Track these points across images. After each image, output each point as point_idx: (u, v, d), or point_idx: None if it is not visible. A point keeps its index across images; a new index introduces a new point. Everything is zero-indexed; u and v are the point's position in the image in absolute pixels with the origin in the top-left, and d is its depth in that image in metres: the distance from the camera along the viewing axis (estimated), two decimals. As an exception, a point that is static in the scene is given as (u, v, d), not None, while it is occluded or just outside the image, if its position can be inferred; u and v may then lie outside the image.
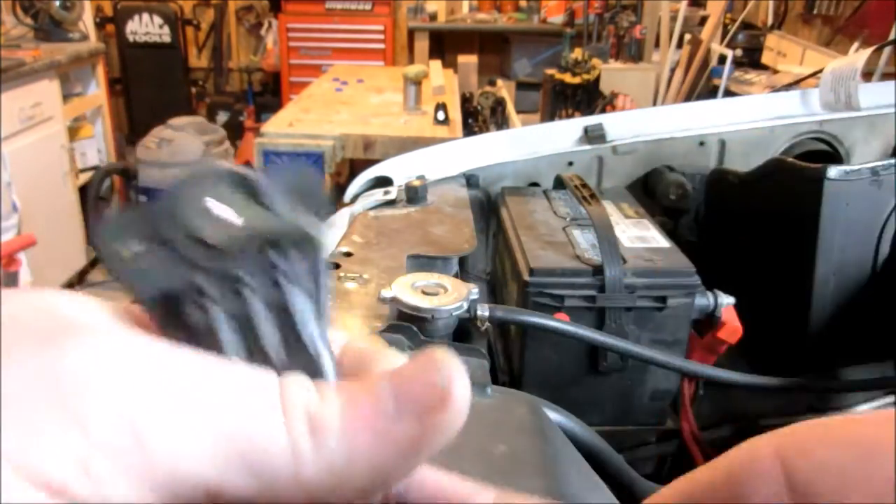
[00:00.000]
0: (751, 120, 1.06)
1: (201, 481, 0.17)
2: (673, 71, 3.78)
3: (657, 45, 4.05)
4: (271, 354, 0.20)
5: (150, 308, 0.20)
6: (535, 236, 0.77)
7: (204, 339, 0.20)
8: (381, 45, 4.97)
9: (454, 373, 0.19)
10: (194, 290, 0.20)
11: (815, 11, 3.77)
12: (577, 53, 4.10)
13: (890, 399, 0.85)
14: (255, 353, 0.20)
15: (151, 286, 0.20)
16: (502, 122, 3.37)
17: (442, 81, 2.92)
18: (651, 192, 1.00)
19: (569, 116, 3.74)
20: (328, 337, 0.21)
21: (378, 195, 0.89)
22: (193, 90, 5.17)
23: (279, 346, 0.20)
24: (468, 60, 4.33)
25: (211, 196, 0.21)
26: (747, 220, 0.89)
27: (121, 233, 0.20)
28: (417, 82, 2.70)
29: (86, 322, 0.19)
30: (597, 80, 3.90)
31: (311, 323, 0.21)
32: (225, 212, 0.21)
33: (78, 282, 3.42)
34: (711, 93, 3.45)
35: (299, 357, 0.21)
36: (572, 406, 0.67)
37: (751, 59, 3.79)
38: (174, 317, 0.20)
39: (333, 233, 0.80)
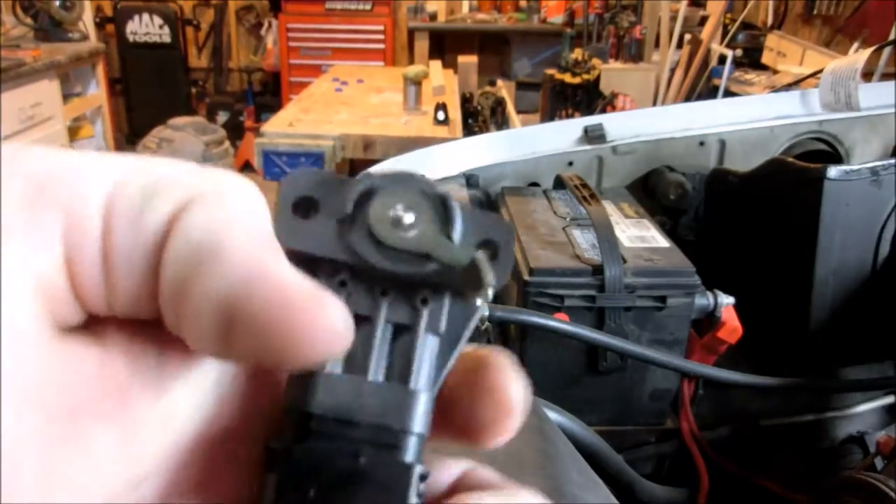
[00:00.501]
0: (751, 120, 1.06)
1: None
2: (673, 71, 3.78)
3: (657, 45, 4.05)
4: (369, 368, 0.20)
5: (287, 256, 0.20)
6: (535, 236, 0.77)
7: None
8: (381, 46, 4.97)
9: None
10: (339, 273, 0.20)
11: (815, 11, 3.77)
12: (577, 53, 4.10)
13: (890, 399, 0.85)
14: (353, 357, 0.20)
15: (306, 243, 0.20)
16: (502, 123, 3.37)
17: (442, 81, 2.92)
18: (651, 191, 1.00)
19: (569, 116, 3.74)
20: (439, 381, 0.21)
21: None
22: (193, 90, 5.17)
23: (379, 367, 0.20)
24: (468, 60, 4.32)
25: (407, 203, 0.20)
26: (747, 220, 0.89)
27: (308, 184, 0.21)
28: (417, 82, 2.70)
29: None
30: (597, 80, 3.90)
31: (427, 364, 0.20)
32: (411, 223, 0.20)
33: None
34: (711, 93, 3.45)
35: (395, 388, 0.20)
36: (572, 406, 0.67)
37: (751, 59, 3.79)
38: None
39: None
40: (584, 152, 1.01)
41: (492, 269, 0.19)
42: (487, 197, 0.98)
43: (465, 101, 3.41)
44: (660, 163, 1.01)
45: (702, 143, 1.03)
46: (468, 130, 3.12)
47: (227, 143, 3.62)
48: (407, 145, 2.10)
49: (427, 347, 0.20)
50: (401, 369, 0.20)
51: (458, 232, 0.21)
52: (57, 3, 3.56)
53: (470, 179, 0.97)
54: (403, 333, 0.21)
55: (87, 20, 3.89)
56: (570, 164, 1.00)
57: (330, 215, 0.20)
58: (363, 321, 0.20)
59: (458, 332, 0.21)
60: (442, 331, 0.21)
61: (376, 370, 0.20)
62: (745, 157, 1.03)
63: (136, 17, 4.79)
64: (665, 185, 0.97)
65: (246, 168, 4.64)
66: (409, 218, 0.20)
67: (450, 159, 0.99)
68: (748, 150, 1.04)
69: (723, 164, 1.04)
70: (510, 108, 3.44)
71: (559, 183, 0.92)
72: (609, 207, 0.84)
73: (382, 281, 0.20)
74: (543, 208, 0.86)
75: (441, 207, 0.21)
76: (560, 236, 0.78)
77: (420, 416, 0.20)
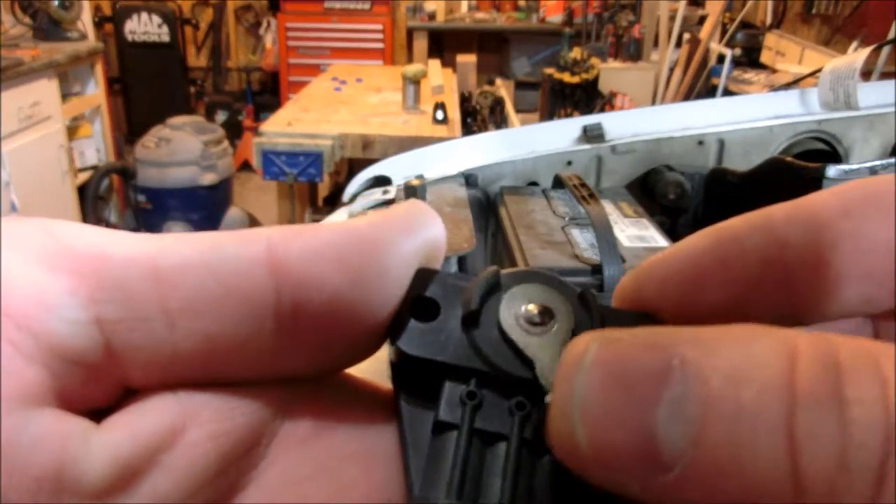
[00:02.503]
0: (750, 119, 1.06)
1: None
2: (672, 70, 3.78)
3: (656, 44, 4.05)
4: (489, 501, 0.16)
5: (401, 360, 0.18)
6: (534, 235, 0.77)
7: (417, 424, 0.18)
8: (380, 45, 4.96)
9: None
10: (468, 381, 0.18)
11: (813, 11, 3.77)
12: (576, 53, 4.11)
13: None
14: (465, 482, 0.16)
15: (430, 350, 0.18)
16: (501, 122, 3.37)
17: (441, 81, 2.92)
18: (650, 191, 1.00)
19: (567, 116, 3.74)
20: None
21: (377, 194, 0.89)
22: (192, 89, 5.17)
23: (500, 497, 0.16)
24: (467, 60, 4.33)
25: (543, 301, 0.18)
26: (746, 219, 0.88)
27: (430, 285, 0.18)
28: (416, 82, 2.69)
29: None
30: (595, 79, 3.91)
31: (563, 488, 0.17)
32: (547, 322, 0.18)
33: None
34: (710, 92, 3.45)
35: None
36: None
37: (749, 58, 3.79)
38: (414, 386, 0.18)
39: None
40: (582, 152, 1.01)
41: None
42: (486, 196, 0.98)
43: (464, 100, 3.41)
44: (659, 162, 1.01)
45: (701, 143, 1.03)
46: (467, 130, 3.12)
47: (225, 143, 3.62)
48: (406, 144, 2.10)
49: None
50: (539, 497, 0.17)
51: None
52: (55, 3, 3.56)
53: (469, 179, 0.97)
54: (545, 454, 0.17)
55: (86, 19, 3.88)
56: (569, 163, 1.00)
57: (454, 317, 0.18)
58: (496, 439, 0.17)
59: None
60: None
61: (511, 498, 0.16)
62: (744, 157, 1.03)
63: (135, 17, 4.79)
64: (664, 184, 0.97)
65: (245, 168, 4.65)
66: (543, 317, 0.18)
67: (448, 159, 0.99)
68: (747, 149, 1.04)
69: (722, 163, 1.04)
70: (509, 107, 3.44)
71: (558, 182, 0.92)
72: (608, 207, 0.84)
73: (517, 391, 0.17)
74: (542, 208, 0.86)
75: (578, 304, 0.19)
76: (559, 236, 0.77)
77: None
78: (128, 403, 0.16)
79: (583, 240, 0.76)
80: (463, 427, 0.17)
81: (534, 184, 0.99)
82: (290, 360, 0.18)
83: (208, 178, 3.42)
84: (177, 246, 0.16)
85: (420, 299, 0.18)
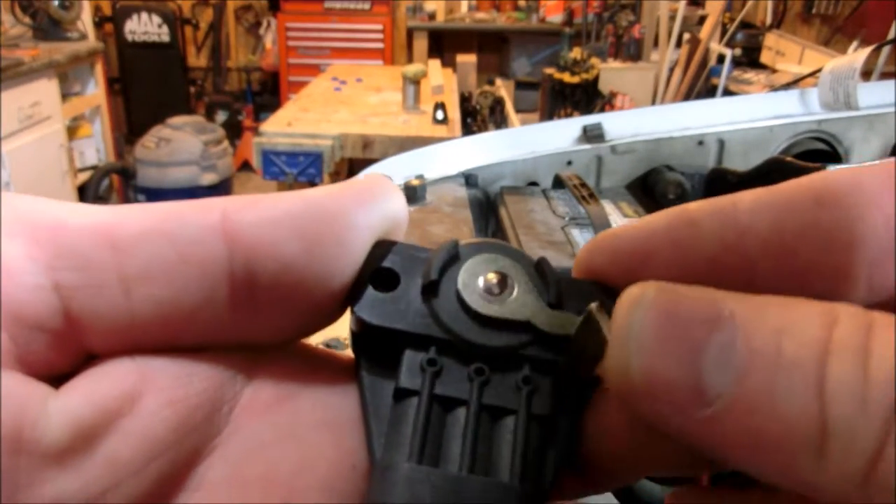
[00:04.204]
0: (750, 119, 1.06)
1: None
2: (672, 70, 3.78)
3: (656, 44, 4.05)
4: (464, 459, 0.17)
5: (362, 329, 0.18)
6: (534, 235, 0.77)
7: (378, 392, 0.18)
8: (380, 45, 4.96)
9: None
10: (427, 349, 0.18)
11: (813, 11, 3.77)
12: (576, 53, 4.10)
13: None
14: (445, 447, 0.17)
15: (390, 319, 0.18)
16: (501, 122, 3.37)
17: (441, 81, 2.92)
18: (650, 191, 1.00)
19: (567, 116, 3.74)
20: (548, 472, 0.18)
21: (377, 195, 0.89)
22: (192, 89, 5.17)
23: (475, 458, 0.17)
24: (467, 60, 4.33)
25: (496, 270, 0.19)
26: (746, 219, 0.88)
27: (389, 255, 0.19)
28: (416, 82, 2.70)
29: None
30: (595, 79, 3.90)
31: (532, 454, 0.17)
32: (504, 291, 0.18)
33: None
34: (710, 92, 3.45)
35: (492, 483, 0.17)
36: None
37: (749, 58, 3.79)
38: (375, 354, 0.18)
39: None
40: (582, 152, 1.01)
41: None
42: (486, 196, 0.98)
43: (464, 100, 3.41)
44: (659, 162, 1.01)
45: (701, 143, 1.03)
46: (467, 130, 3.12)
47: (225, 143, 3.62)
48: (406, 144, 2.10)
49: (532, 434, 0.18)
50: (499, 460, 0.17)
51: (555, 298, 0.18)
52: (55, 3, 3.56)
53: (469, 179, 0.97)
54: (503, 417, 0.18)
55: (86, 19, 3.88)
56: (569, 163, 1.00)
57: (413, 287, 0.18)
58: (456, 404, 0.18)
59: (570, 413, 0.18)
60: (547, 413, 0.18)
61: (471, 461, 0.17)
62: (744, 157, 1.03)
63: (135, 17, 4.79)
64: (664, 184, 0.97)
65: (245, 168, 4.65)
66: (501, 285, 0.18)
67: (448, 159, 0.99)
68: (747, 149, 1.04)
69: (722, 163, 1.04)
70: (509, 107, 3.44)
71: (558, 182, 0.92)
72: (608, 207, 0.84)
73: (476, 357, 0.18)
74: (542, 208, 0.86)
75: (535, 273, 0.19)
76: (559, 236, 0.77)
77: None
78: (87, 369, 0.17)
79: (583, 240, 0.76)
80: (423, 393, 0.18)
81: (534, 184, 0.99)
82: (248, 327, 0.18)
83: (208, 178, 3.42)
84: (133, 215, 0.17)
85: (380, 270, 0.18)
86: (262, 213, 0.17)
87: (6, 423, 0.14)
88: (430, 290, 0.18)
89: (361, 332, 0.19)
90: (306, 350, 0.20)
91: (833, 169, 0.17)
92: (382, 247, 0.19)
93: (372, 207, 0.18)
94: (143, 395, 0.16)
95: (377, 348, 0.18)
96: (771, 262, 0.16)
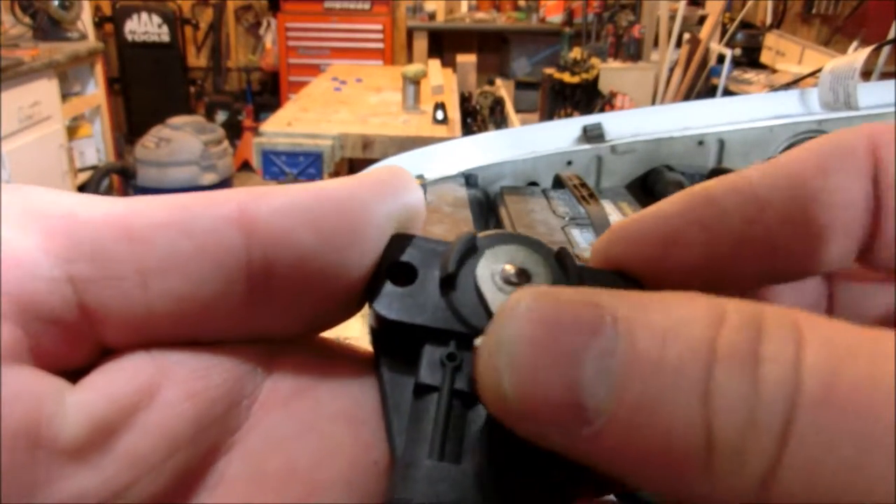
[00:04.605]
0: (750, 119, 1.06)
1: None
2: (672, 70, 3.78)
3: (656, 44, 4.05)
4: (471, 458, 0.16)
5: (380, 324, 0.18)
6: (534, 235, 0.77)
7: (398, 387, 0.18)
8: (380, 45, 4.97)
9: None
10: (447, 344, 0.18)
11: (813, 11, 3.77)
12: (576, 53, 4.11)
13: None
14: (446, 442, 0.17)
15: (409, 314, 0.18)
16: (501, 122, 3.37)
17: (441, 81, 2.92)
18: (650, 191, 1.00)
19: (567, 116, 3.74)
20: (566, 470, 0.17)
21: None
22: (192, 89, 5.17)
23: (481, 457, 0.17)
24: (467, 60, 4.32)
25: (516, 261, 0.18)
26: (746, 219, 0.88)
27: (406, 249, 0.18)
28: (416, 82, 2.70)
29: None
30: (595, 79, 3.90)
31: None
32: (526, 284, 0.18)
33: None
34: (710, 92, 3.45)
35: (504, 478, 0.16)
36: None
37: (749, 58, 3.79)
38: (394, 349, 0.18)
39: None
40: (582, 152, 1.01)
41: None
42: (486, 196, 0.98)
43: (464, 100, 3.41)
44: (659, 162, 1.01)
45: (701, 143, 1.03)
46: (467, 130, 3.12)
47: (225, 143, 3.62)
48: (406, 144, 2.10)
49: None
50: (507, 461, 0.17)
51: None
52: (55, 3, 3.56)
53: (469, 179, 0.97)
54: None
55: (86, 19, 3.88)
56: (569, 163, 1.00)
57: (432, 280, 0.18)
58: (477, 400, 0.17)
59: None
60: None
61: (476, 463, 0.17)
62: (744, 157, 1.03)
63: (135, 17, 4.79)
64: (664, 184, 0.97)
65: (245, 168, 4.65)
66: (520, 277, 0.18)
67: (448, 159, 0.99)
68: (747, 149, 1.04)
69: (722, 163, 1.04)
70: (509, 107, 3.44)
71: (558, 182, 0.92)
72: (608, 207, 0.84)
73: None
74: (542, 208, 0.86)
75: (555, 264, 0.19)
76: (559, 236, 0.77)
77: None
78: (103, 363, 0.17)
79: (583, 240, 0.76)
80: (443, 389, 0.17)
81: (534, 184, 0.99)
82: (265, 320, 0.18)
83: (208, 178, 3.42)
84: (149, 206, 0.17)
85: (397, 264, 0.18)
86: (278, 204, 0.17)
87: (22, 418, 0.14)
88: (449, 283, 0.18)
89: (380, 327, 0.18)
90: (325, 343, 0.20)
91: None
92: (400, 240, 0.19)
93: (390, 199, 0.18)
94: (161, 388, 0.16)
95: (396, 343, 0.18)
96: (789, 231, 0.17)
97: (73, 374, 0.16)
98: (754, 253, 0.17)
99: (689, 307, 0.14)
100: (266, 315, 0.18)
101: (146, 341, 0.17)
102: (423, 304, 0.18)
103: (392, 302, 0.18)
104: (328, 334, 0.20)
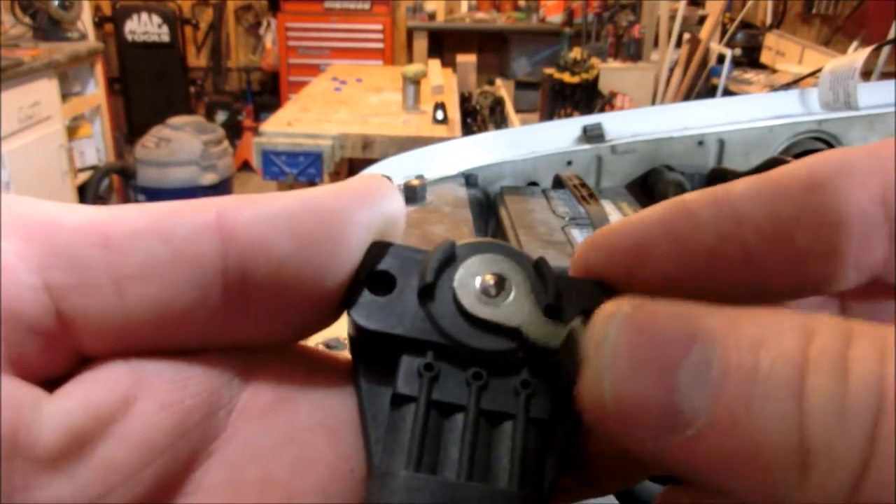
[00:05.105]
0: (750, 119, 1.06)
1: None
2: (672, 70, 3.78)
3: (656, 44, 4.05)
4: (462, 465, 0.17)
5: (358, 333, 0.18)
6: (534, 236, 0.77)
7: (376, 397, 0.18)
8: (380, 45, 4.97)
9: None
10: (424, 354, 0.18)
11: (813, 11, 3.77)
12: (576, 53, 4.10)
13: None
14: (443, 453, 0.17)
15: (386, 323, 0.18)
16: (501, 122, 3.37)
17: (441, 81, 2.92)
18: (650, 191, 1.00)
19: (567, 116, 3.74)
20: (547, 477, 0.17)
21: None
22: (192, 89, 5.17)
23: (473, 463, 0.17)
24: (467, 60, 4.32)
25: (495, 271, 0.18)
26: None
27: (385, 257, 0.18)
28: (416, 82, 2.70)
29: None
30: (595, 79, 3.90)
31: (532, 459, 0.17)
32: (501, 293, 0.18)
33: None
34: (710, 92, 3.45)
35: (490, 490, 0.16)
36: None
37: (750, 58, 3.79)
38: (372, 358, 0.18)
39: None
40: (582, 152, 1.01)
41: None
42: (486, 196, 0.98)
43: (464, 100, 3.41)
44: (659, 162, 1.01)
45: (701, 143, 1.03)
46: (467, 130, 3.12)
47: (225, 143, 3.62)
48: (406, 144, 2.10)
49: (530, 438, 0.17)
50: (498, 466, 0.17)
51: (554, 299, 0.18)
52: (55, 3, 3.56)
53: (469, 179, 0.97)
54: (502, 422, 0.18)
55: (86, 19, 3.88)
56: (569, 163, 1.00)
57: (410, 289, 0.18)
58: (454, 410, 0.17)
59: (570, 416, 0.17)
60: (546, 417, 0.18)
61: (469, 468, 0.17)
62: (744, 157, 1.03)
63: (135, 17, 4.79)
64: (664, 184, 0.97)
65: (245, 168, 4.65)
66: (498, 287, 0.18)
67: (448, 159, 0.99)
68: (747, 149, 1.04)
69: (722, 163, 1.04)
70: (509, 107, 3.44)
71: (558, 182, 0.92)
72: (608, 207, 0.84)
73: (474, 361, 0.18)
74: (542, 208, 0.86)
75: (534, 273, 0.19)
76: (559, 236, 0.77)
77: None
78: (81, 372, 0.17)
79: (583, 240, 0.76)
80: (420, 399, 0.17)
81: (534, 184, 0.99)
82: (243, 328, 0.18)
83: (208, 178, 3.42)
84: (127, 214, 0.17)
85: (376, 273, 0.18)
86: (256, 212, 0.17)
87: (2, 426, 0.14)
88: (427, 292, 0.18)
89: (358, 337, 0.18)
90: (304, 352, 0.20)
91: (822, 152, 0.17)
92: (379, 248, 0.18)
93: (369, 207, 0.18)
94: (138, 398, 0.16)
95: (374, 352, 0.18)
96: (767, 249, 0.16)
97: (52, 383, 0.16)
98: (730, 268, 0.17)
99: (781, 322, 0.14)
100: (244, 323, 0.17)
101: (124, 349, 0.17)
102: (402, 313, 0.18)
103: (370, 311, 0.18)
104: (316, 335, 0.20)
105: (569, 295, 0.18)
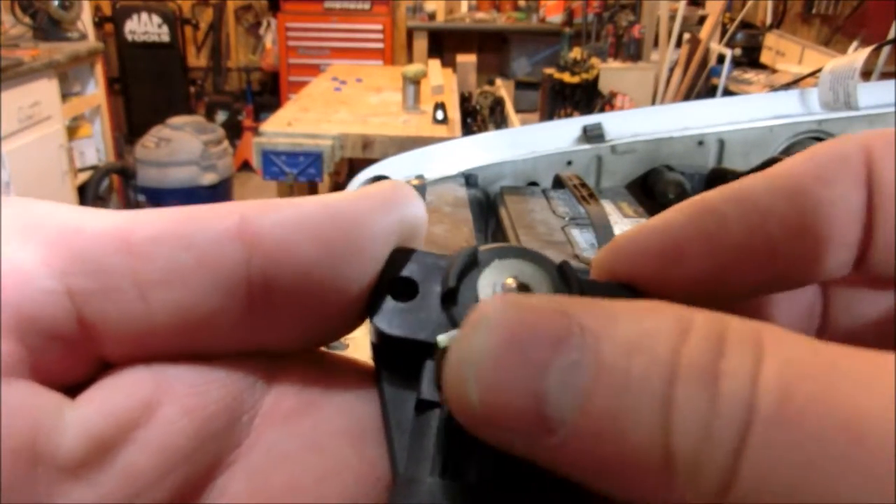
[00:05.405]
0: (750, 119, 1.06)
1: None
2: (672, 70, 3.78)
3: (656, 44, 4.05)
4: (472, 475, 0.16)
5: (381, 340, 0.18)
6: (534, 236, 0.77)
7: (400, 403, 0.18)
8: (380, 45, 4.97)
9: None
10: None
11: (813, 11, 3.77)
12: (576, 53, 4.10)
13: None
14: (447, 458, 0.17)
15: (409, 329, 0.18)
16: (501, 122, 3.37)
17: (441, 81, 2.92)
18: (650, 191, 1.00)
19: (567, 116, 3.74)
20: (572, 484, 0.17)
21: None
22: (192, 89, 5.17)
23: (478, 471, 0.16)
24: (467, 60, 4.32)
25: (518, 275, 0.18)
26: (746, 219, 0.88)
27: (407, 264, 0.18)
28: (416, 82, 2.70)
29: None
30: (595, 79, 3.90)
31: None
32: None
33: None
34: (710, 92, 3.45)
35: (506, 495, 0.16)
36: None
37: (750, 58, 3.79)
38: (396, 364, 0.18)
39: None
40: (582, 152, 1.01)
41: None
42: (486, 196, 0.98)
43: (464, 100, 3.42)
44: (659, 162, 1.01)
45: (701, 143, 1.03)
46: (467, 130, 3.12)
47: (225, 143, 3.62)
48: (406, 145, 2.10)
49: None
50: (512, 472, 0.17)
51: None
52: (55, 3, 3.56)
53: (469, 179, 0.97)
54: None
55: (86, 19, 3.88)
56: (569, 163, 1.00)
57: (433, 295, 0.18)
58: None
59: None
60: None
61: (495, 473, 0.17)
62: (744, 157, 1.03)
63: (135, 17, 4.79)
64: (664, 184, 0.97)
65: (245, 168, 4.65)
66: (522, 291, 0.18)
67: (448, 159, 0.99)
68: (747, 149, 1.04)
69: (722, 163, 1.04)
70: (509, 107, 3.44)
71: (558, 182, 0.92)
72: (608, 207, 0.84)
73: None
74: (542, 208, 0.86)
75: (558, 277, 0.18)
76: (559, 236, 0.77)
77: None
78: (102, 378, 0.16)
79: (583, 240, 0.76)
80: (445, 405, 0.17)
81: (534, 184, 0.99)
82: (266, 333, 0.18)
83: (208, 178, 3.42)
84: (149, 219, 0.16)
85: (398, 279, 0.18)
86: (280, 217, 0.17)
87: (22, 433, 0.14)
88: (450, 298, 0.18)
89: (381, 343, 0.18)
90: (326, 357, 0.20)
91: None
92: (401, 255, 0.18)
93: (391, 213, 0.18)
94: (160, 404, 0.16)
95: (398, 359, 0.18)
96: (790, 240, 0.17)
97: (73, 389, 0.16)
98: (757, 262, 0.17)
99: (656, 319, 0.14)
100: (266, 328, 0.17)
101: (146, 355, 0.17)
102: (425, 319, 0.18)
103: (393, 317, 0.18)
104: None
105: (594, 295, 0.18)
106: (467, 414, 0.15)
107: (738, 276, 0.17)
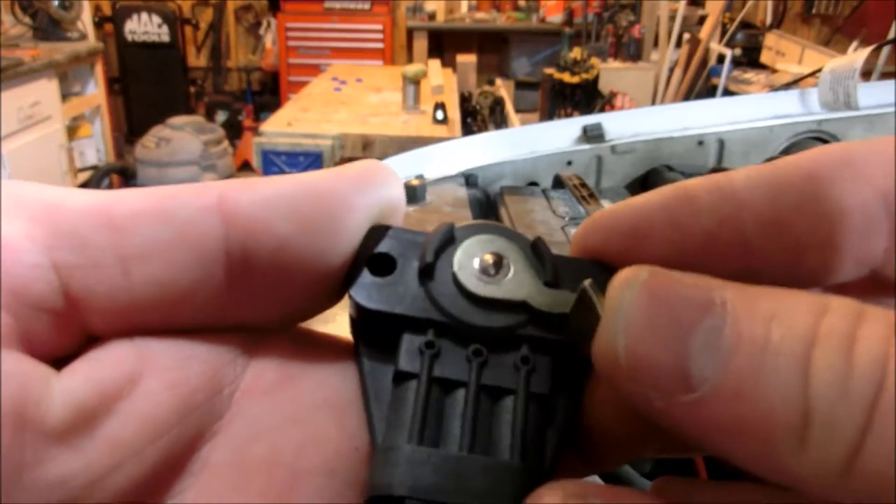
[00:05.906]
0: (750, 119, 1.06)
1: None
2: (672, 70, 3.78)
3: (656, 44, 4.05)
4: (464, 440, 0.17)
5: (360, 314, 0.18)
6: (535, 236, 0.77)
7: (378, 375, 0.18)
8: (380, 45, 4.97)
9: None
10: (425, 332, 0.18)
11: (813, 11, 3.77)
12: (576, 53, 4.11)
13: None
14: (445, 429, 0.17)
15: (387, 303, 0.18)
16: (501, 122, 3.37)
17: (441, 81, 2.92)
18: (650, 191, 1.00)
19: (567, 116, 3.74)
20: (548, 452, 0.18)
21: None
22: (192, 89, 5.17)
23: (476, 439, 0.17)
24: (467, 60, 4.33)
25: (493, 251, 0.19)
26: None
27: (384, 240, 0.19)
28: (416, 82, 2.70)
29: None
30: (595, 79, 3.91)
31: (532, 434, 0.18)
32: (500, 272, 0.18)
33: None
34: (710, 92, 3.45)
35: (495, 464, 0.17)
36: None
37: (749, 58, 3.79)
38: (373, 338, 0.19)
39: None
40: (582, 152, 1.01)
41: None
42: (486, 196, 0.98)
43: (464, 100, 3.42)
44: (659, 162, 1.01)
45: (700, 143, 1.03)
46: (467, 130, 3.13)
47: (225, 143, 3.62)
48: (406, 145, 2.10)
49: (531, 413, 0.18)
50: (499, 440, 0.17)
51: (552, 277, 0.19)
52: (55, 3, 3.56)
53: (469, 179, 0.97)
54: (503, 398, 0.18)
55: (86, 19, 3.89)
56: (569, 163, 1.00)
57: (410, 270, 0.18)
58: (455, 386, 0.18)
59: (570, 392, 0.18)
60: (546, 392, 0.18)
61: (471, 441, 0.17)
62: (743, 157, 1.03)
63: (135, 17, 4.79)
64: (664, 184, 0.97)
65: (245, 168, 4.64)
66: (497, 266, 0.19)
67: (448, 159, 0.99)
68: (747, 149, 1.04)
69: (722, 163, 1.04)
70: (509, 107, 3.44)
71: (558, 182, 0.92)
72: (608, 207, 0.84)
73: (474, 339, 0.18)
74: (542, 208, 0.86)
75: (531, 253, 0.19)
76: (559, 236, 0.78)
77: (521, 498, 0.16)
78: (88, 351, 0.17)
79: (583, 240, 0.76)
80: (422, 375, 0.18)
81: (534, 184, 0.99)
82: (246, 308, 0.18)
83: (208, 178, 3.42)
84: (131, 196, 0.17)
85: (376, 255, 0.19)
86: (257, 194, 0.17)
87: (10, 399, 0.14)
88: (427, 273, 0.18)
89: (359, 317, 0.19)
90: (306, 333, 0.21)
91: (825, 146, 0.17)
92: (378, 231, 0.19)
93: (368, 191, 0.18)
94: (143, 377, 0.17)
95: (376, 332, 0.19)
96: (766, 237, 0.17)
97: (59, 362, 0.17)
98: (726, 254, 0.17)
99: (795, 299, 0.14)
100: (246, 303, 0.18)
101: (130, 328, 0.17)
102: (402, 293, 0.18)
103: (371, 292, 0.18)
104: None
105: (566, 273, 0.19)
106: (611, 364, 0.15)
107: (705, 265, 0.17)
